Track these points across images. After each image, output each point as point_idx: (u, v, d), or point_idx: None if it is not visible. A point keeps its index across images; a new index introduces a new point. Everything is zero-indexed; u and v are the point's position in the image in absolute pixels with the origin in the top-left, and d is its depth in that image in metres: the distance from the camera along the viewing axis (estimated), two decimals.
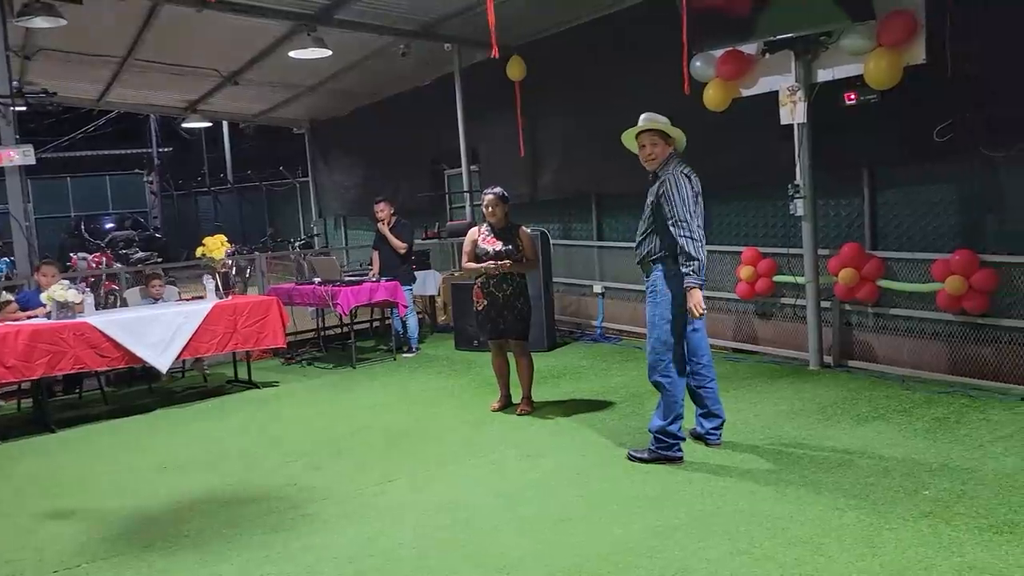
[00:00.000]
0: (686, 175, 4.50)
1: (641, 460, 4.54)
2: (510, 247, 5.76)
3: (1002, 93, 5.43)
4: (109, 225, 23.02)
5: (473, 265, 5.83)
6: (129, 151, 26.01)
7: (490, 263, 5.70)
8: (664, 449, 4.50)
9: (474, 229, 6.02)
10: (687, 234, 4.35)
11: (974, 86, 5.51)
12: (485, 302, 5.81)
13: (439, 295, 9.95)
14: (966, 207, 5.98)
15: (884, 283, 6.33)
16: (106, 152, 25.56)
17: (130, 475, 5.06)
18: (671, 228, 4.40)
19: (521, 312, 5.79)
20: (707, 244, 4.61)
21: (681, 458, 4.51)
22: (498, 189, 5.91)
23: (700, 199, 4.57)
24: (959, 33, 5.45)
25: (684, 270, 4.37)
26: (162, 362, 6.50)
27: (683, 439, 4.56)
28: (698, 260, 4.34)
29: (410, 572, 3.44)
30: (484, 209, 5.89)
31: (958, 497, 3.80)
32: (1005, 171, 5.71)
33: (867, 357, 6.60)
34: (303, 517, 4.12)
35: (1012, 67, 5.35)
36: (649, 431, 4.59)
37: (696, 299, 4.36)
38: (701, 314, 4.38)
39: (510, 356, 5.96)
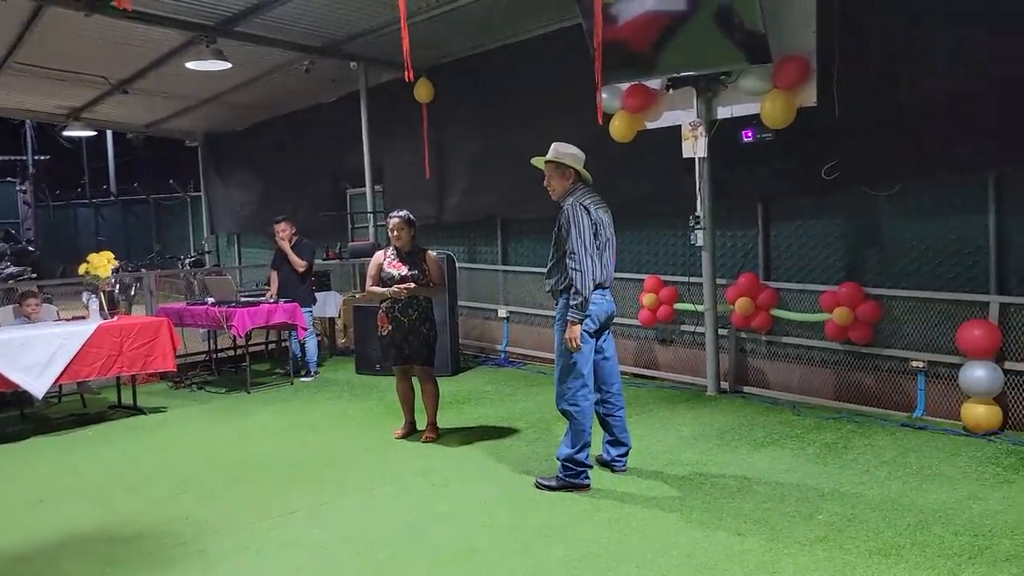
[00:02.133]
0: (584, 206, 4.50)
1: (549, 488, 4.53)
2: (416, 271, 5.68)
3: (883, 138, 5.79)
4: None
5: (378, 289, 5.71)
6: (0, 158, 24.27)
7: (395, 287, 5.61)
8: (572, 477, 4.51)
9: (379, 252, 5.91)
10: (576, 266, 4.40)
11: (859, 129, 5.86)
12: (390, 327, 5.69)
13: (339, 317, 9.73)
14: (852, 242, 6.34)
15: (777, 312, 6.61)
16: None
17: None
18: (566, 259, 4.45)
19: (427, 337, 5.71)
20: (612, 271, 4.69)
21: (588, 486, 4.53)
22: (404, 212, 5.83)
23: (604, 229, 4.59)
24: (846, 80, 5.80)
25: (571, 302, 4.42)
26: (38, 387, 6.05)
27: (591, 467, 4.58)
28: (582, 295, 4.38)
29: None
30: (390, 232, 5.80)
31: (849, 521, 3.97)
32: (886, 209, 6.09)
33: (760, 383, 6.87)
34: (195, 553, 3.89)
35: (892, 116, 5.72)
36: (557, 459, 4.60)
37: (572, 333, 4.42)
38: (575, 348, 4.43)
39: (415, 381, 5.87)
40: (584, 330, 4.48)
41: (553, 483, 4.54)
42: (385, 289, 5.65)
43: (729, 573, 3.45)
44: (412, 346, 5.67)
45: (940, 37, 5.45)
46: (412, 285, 5.60)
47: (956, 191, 5.70)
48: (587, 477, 4.54)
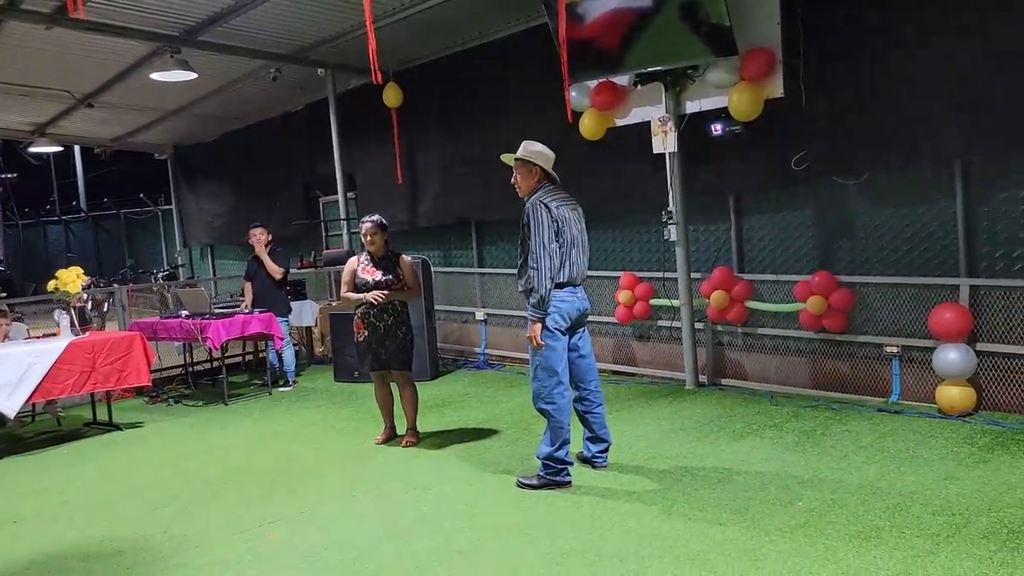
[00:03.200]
0: (545, 204, 4.48)
1: (530, 487, 4.52)
2: (390, 276, 5.65)
3: (851, 127, 5.85)
4: None
5: (353, 295, 5.68)
6: None
7: (369, 293, 5.57)
8: (552, 475, 4.51)
9: (353, 259, 5.88)
10: (534, 265, 4.40)
11: (826, 120, 5.91)
12: (366, 332, 5.66)
13: (316, 325, 9.66)
14: (823, 231, 6.39)
15: (752, 304, 6.65)
16: None
17: None
18: (528, 257, 4.45)
19: (403, 342, 5.68)
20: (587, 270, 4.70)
21: (570, 483, 4.52)
22: (376, 217, 5.80)
23: (570, 226, 4.55)
24: (812, 71, 5.85)
25: (530, 300, 4.43)
26: (9, 407, 5.95)
27: (571, 464, 4.58)
28: (539, 293, 4.38)
29: None
30: (363, 238, 5.77)
31: (829, 507, 4.00)
32: (855, 198, 6.15)
33: (738, 375, 6.91)
34: (173, 568, 3.84)
35: (858, 104, 5.78)
36: (537, 457, 4.59)
37: (532, 332, 4.44)
38: (536, 346, 4.43)
39: (393, 387, 5.84)
40: (555, 328, 4.48)
41: (534, 482, 4.54)
42: (360, 295, 5.62)
43: (712, 563, 3.46)
44: (389, 351, 5.64)
45: (904, 27, 5.51)
46: (386, 293, 5.57)
47: (924, 178, 5.77)
48: (568, 474, 4.54)
